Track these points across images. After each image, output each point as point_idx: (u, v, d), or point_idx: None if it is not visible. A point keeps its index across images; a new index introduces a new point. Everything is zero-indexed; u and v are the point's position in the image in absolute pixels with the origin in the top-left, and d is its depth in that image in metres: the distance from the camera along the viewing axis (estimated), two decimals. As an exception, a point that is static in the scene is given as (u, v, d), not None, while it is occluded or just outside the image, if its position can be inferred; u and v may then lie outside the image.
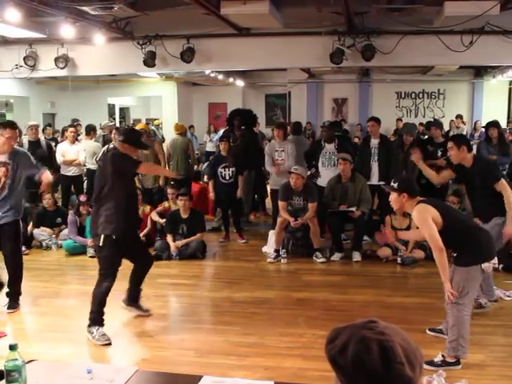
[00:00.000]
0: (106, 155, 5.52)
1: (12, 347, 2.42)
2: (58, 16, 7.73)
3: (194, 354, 4.88)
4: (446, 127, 14.82)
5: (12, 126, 5.92)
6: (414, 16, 8.05)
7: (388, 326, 1.47)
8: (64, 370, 2.81)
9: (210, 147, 17.73)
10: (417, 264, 7.58)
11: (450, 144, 5.97)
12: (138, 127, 9.80)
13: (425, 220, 4.35)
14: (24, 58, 9.42)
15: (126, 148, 5.30)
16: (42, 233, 8.90)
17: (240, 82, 18.74)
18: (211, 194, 9.45)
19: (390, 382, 1.37)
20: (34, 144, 9.46)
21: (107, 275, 5.31)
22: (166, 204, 9.01)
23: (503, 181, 5.68)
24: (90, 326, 5.24)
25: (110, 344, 5.13)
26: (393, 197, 4.61)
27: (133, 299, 5.86)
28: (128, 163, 5.27)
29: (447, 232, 4.36)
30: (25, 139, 9.84)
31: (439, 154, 9.04)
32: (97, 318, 5.25)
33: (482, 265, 4.42)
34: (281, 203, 8.16)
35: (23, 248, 8.40)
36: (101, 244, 5.27)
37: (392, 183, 4.63)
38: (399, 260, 7.72)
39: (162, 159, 9.70)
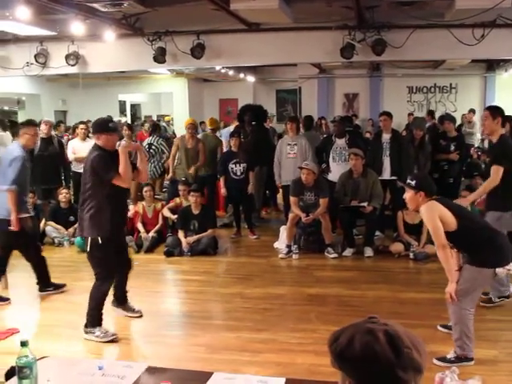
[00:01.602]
0: (89, 155, 5.31)
1: (23, 343, 2.43)
2: (69, 13, 7.75)
3: (205, 351, 4.88)
4: (459, 121, 14.71)
5: (34, 124, 6.52)
6: (424, 10, 8.00)
7: (388, 321, 1.51)
8: (75, 367, 2.81)
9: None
10: (429, 259, 7.53)
11: (485, 113, 5.79)
12: (186, 122, 9.74)
13: (431, 216, 4.31)
14: (35, 56, 9.46)
15: (101, 139, 5.11)
16: (53, 230, 8.93)
17: (251, 78, 18.72)
18: (222, 190, 9.42)
19: (402, 366, 1.40)
20: (47, 141, 9.48)
21: (103, 277, 5.20)
22: (177, 200, 9.01)
23: (498, 167, 5.53)
24: (88, 327, 5.18)
25: (116, 340, 5.11)
26: (408, 195, 4.52)
27: (120, 301, 5.71)
28: (104, 171, 5.02)
29: (463, 232, 4.32)
30: (36, 136, 9.87)
31: (452, 148, 8.98)
32: (96, 319, 5.20)
33: (496, 269, 4.37)
34: (292, 199, 8.14)
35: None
36: (88, 248, 5.14)
37: (409, 180, 4.53)
38: (411, 255, 7.69)
39: (202, 157, 9.59)
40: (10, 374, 2.57)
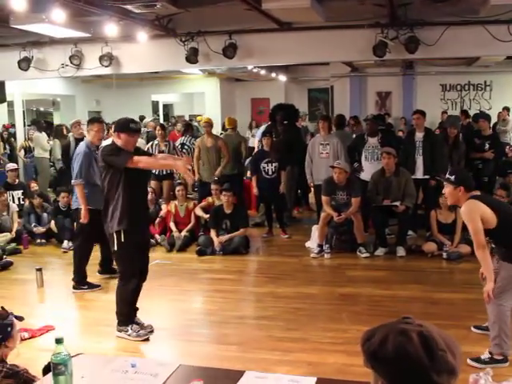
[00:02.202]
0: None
1: (58, 341, 2.47)
2: (102, 15, 7.85)
3: (236, 349, 4.90)
4: (494, 119, 14.48)
5: (98, 120, 7.09)
6: (458, 6, 7.89)
7: (423, 322, 1.49)
8: (109, 364, 2.85)
9: (252, 143, 17.75)
10: (463, 259, 7.45)
11: None
12: (202, 121, 9.74)
13: (472, 217, 4.26)
14: (70, 57, 9.59)
15: (121, 138, 5.08)
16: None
17: (282, 77, 18.68)
18: (254, 190, 9.45)
19: (436, 369, 1.38)
20: (80, 141, 9.62)
21: (127, 277, 5.19)
22: (209, 199, 9.06)
23: None
24: (120, 325, 5.22)
25: (148, 339, 5.16)
26: (448, 190, 4.48)
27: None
28: (116, 157, 4.97)
29: (503, 228, 4.27)
30: (71, 137, 10.03)
31: (487, 146, 8.86)
32: (129, 318, 5.23)
33: None
34: (324, 198, 8.12)
35: (70, 243, 8.67)
36: (115, 246, 5.11)
37: (448, 175, 4.49)
38: (445, 255, 7.61)
39: (226, 154, 9.66)
40: (46, 370, 2.63)
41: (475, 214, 4.25)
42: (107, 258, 7.03)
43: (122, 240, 5.06)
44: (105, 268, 7.27)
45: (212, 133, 9.88)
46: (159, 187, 9.82)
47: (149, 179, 5.89)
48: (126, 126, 5.13)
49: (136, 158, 4.94)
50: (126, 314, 5.25)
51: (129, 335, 5.18)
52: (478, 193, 4.47)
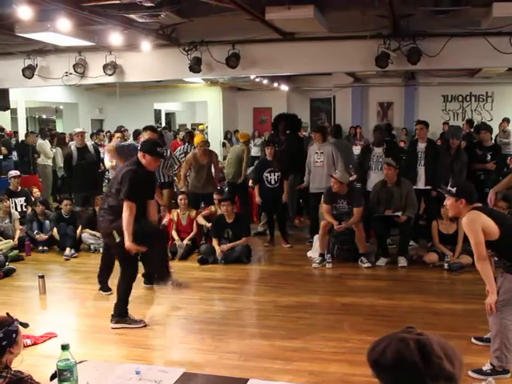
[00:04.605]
0: (126, 165, 5.64)
1: (64, 347, 2.50)
2: (107, 24, 7.91)
3: (238, 358, 4.91)
4: (496, 131, 14.51)
5: (152, 129, 7.53)
6: (460, 18, 7.94)
7: (425, 331, 1.53)
8: (113, 371, 2.88)
9: (254, 152, 17.79)
10: (464, 270, 7.45)
11: None
12: (197, 140, 9.60)
13: (473, 228, 4.24)
14: (73, 66, 9.66)
15: (146, 158, 5.41)
16: (89, 236, 9.08)
17: (285, 87, 18.76)
18: (257, 199, 9.48)
19: (432, 376, 1.42)
20: (82, 150, 9.71)
21: (126, 273, 5.59)
22: (212, 208, 9.09)
23: None
24: (118, 316, 5.58)
25: (146, 325, 5.56)
26: (449, 202, 4.47)
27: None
28: (125, 188, 5.30)
29: (506, 240, 4.26)
30: (72, 146, 10.07)
31: (488, 157, 8.88)
32: (125, 310, 5.61)
33: None
34: (324, 206, 8.14)
35: (72, 251, 8.72)
36: (117, 239, 5.40)
37: (449, 187, 4.48)
38: (446, 266, 7.61)
39: (216, 171, 9.69)
40: (54, 377, 2.64)
41: (477, 225, 4.23)
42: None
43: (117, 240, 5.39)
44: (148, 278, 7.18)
45: (207, 150, 9.76)
46: (160, 195, 9.81)
47: (154, 192, 6.07)
48: (154, 150, 5.46)
49: (129, 209, 5.26)
50: (123, 306, 5.64)
51: (129, 324, 5.55)
52: (479, 204, 4.45)
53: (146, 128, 7.99)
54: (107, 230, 5.55)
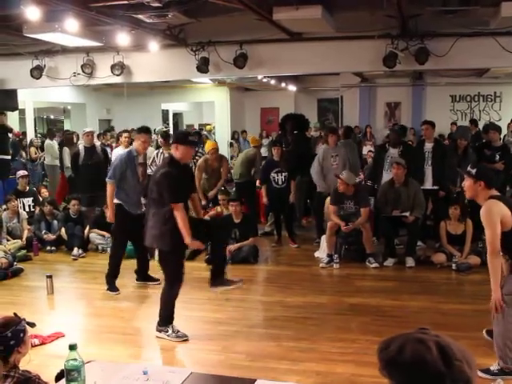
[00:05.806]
0: (159, 168, 5.54)
1: (71, 347, 2.50)
2: (115, 25, 7.92)
3: (245, 358, 4.90)
4: (504, 131, 14.45)
5: (146, 131, 7.22)
6: (468, 18, 7.92)
7: (439, 333, 1.52)
8: (121, 371, 2.88)
9: (262, 152, 17.75)
10: (472, 270, 7.43)
11: None
12: (208, 147, 9.52)
13: (492, 220, 4.12)
14: (81, 66, 9.70)
15: (179, 149, 5.26)
16: (97, 236, 9.10)
17: (292, 87, 18.73)
18: (264, 199, 9.48)
19: (452, 378, 1.41)
20: (90, 150, 9.71)
21: (173, 281, 5.43)
22: (218, 209, 9.09)
23: None
24: (162, 325, 5.40)
25: (187, 339, 5.34)
26: (468, 183, 4.36)
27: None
28: (168, 194, 5.18)
29: None
30: (80, 145, 10.09)
31: (497, 157, 8.84)
32: (170, 317, 5.44)
33: None
34: (331, 207, 8.13)
35: (80, 251, 8.75)
36: (157, 258, 5.46)
37: (469, 168, 4.37)
38: (454, 266, 7.58)
39: (224, 174, 9.70)
40: (59, 377, 2.65)
41: (496, 216, 4.12)
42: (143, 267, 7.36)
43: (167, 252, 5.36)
44: (141, 275, 7.40)
45: (218, 155, 9.75)
46: None
47: (195, 186, 6.09)
48: (186, 139, 5.47)
49: (179, 209, 5.16)
50: (168, 315, 5.44)
51: (168, 335, 5.34)
52: (497, 193, 4.34)
53: (141, 130, 7.30)
54: (159, 237, 5.38)
